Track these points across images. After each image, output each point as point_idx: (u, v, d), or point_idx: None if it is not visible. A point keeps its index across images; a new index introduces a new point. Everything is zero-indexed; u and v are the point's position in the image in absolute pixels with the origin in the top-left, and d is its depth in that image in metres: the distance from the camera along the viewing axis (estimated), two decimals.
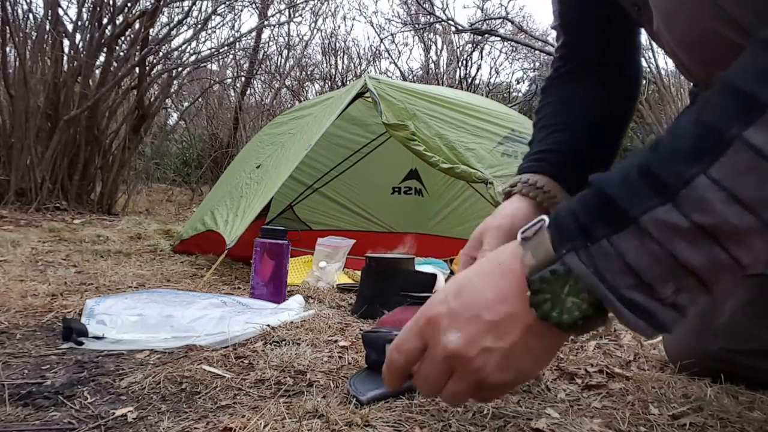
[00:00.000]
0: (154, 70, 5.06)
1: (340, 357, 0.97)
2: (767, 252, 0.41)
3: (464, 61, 9.98)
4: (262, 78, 8.84)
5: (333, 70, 9.44)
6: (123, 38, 4.67)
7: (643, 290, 0.42)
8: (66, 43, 4.39)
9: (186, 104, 8.02)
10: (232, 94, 8.70)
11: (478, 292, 0.48)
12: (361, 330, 1.19)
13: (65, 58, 4.33)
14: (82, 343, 0.99)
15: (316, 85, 9.69)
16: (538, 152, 0.80)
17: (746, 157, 0.39)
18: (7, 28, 4.02)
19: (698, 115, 0.42)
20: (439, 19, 8.99)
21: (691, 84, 0.80)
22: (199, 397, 0.77)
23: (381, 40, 11.09)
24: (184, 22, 5.34)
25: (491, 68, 14.77)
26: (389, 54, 10.85)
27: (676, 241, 0.41)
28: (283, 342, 1.05)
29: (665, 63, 5.35)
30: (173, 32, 5.37)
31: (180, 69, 5.49)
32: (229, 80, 8.64)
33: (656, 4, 0.62)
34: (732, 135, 0.39)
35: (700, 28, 0.57)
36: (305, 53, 9.32)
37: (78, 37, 4.46)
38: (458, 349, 0.47)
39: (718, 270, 0.41)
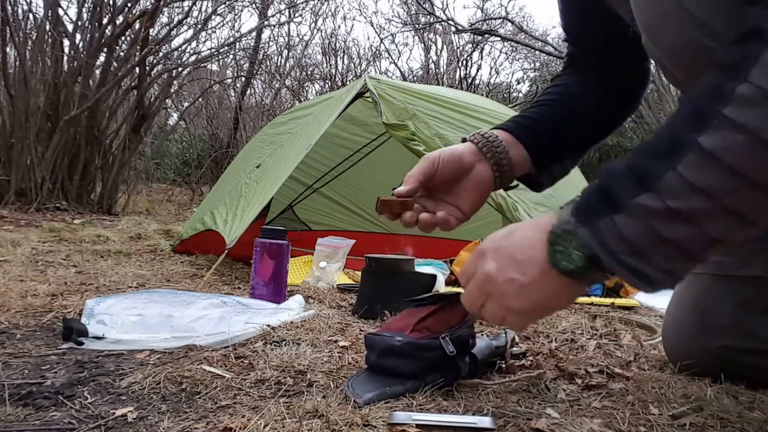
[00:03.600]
0: (154, 70, 5.07)
1: (340, 357, 0.97)
2: (731, 228, 0.53)
3: (464, 61, 9.99)
4: (262, 78, 8.85)
5: (333, 70, 9.45)
6: (123, 38, 4.68)
7: (639, 258, 0.55)
8: (66, 43, 4.40)
9: (186, 104, 8.03)
10: (232, 94, 8.71)
11: (518, 237, 0.63)
12: (361, 330, 1.19)
13: (65, 58, 4.33)
14: (82, 343, 0.99)
15: (316, 85, 9.70)
16: (518, 116, 0.86)
17: (699, 156, 0.51)
18: (7, 28, 4.02)
19: (671, 121, 0.56)
20: (439, 19, 9.00)
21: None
22: (199, 397, 0.77)
23: (381, 40, 11.11)
24: (184, 22, 5.35)
25: (491, 68, 14.77)
26: (389, 54, 10.87)
27: (657, 221, 0.53)
28: (283, 342, 1.05)
29: None
30: (173, 32, 5.38)
31: (180, 69, 5.50)
32: (229, 80, 8.65)
33: (640, 18, 0.67)
34: (690, 140, 0.52)
35: (682, 39, 0.61)
36: (305, 53, 9.34)
37: (78, 37, 4.46)
38: (492, 274, 0.63)
39: (694, 242, 0.53)
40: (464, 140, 0.81)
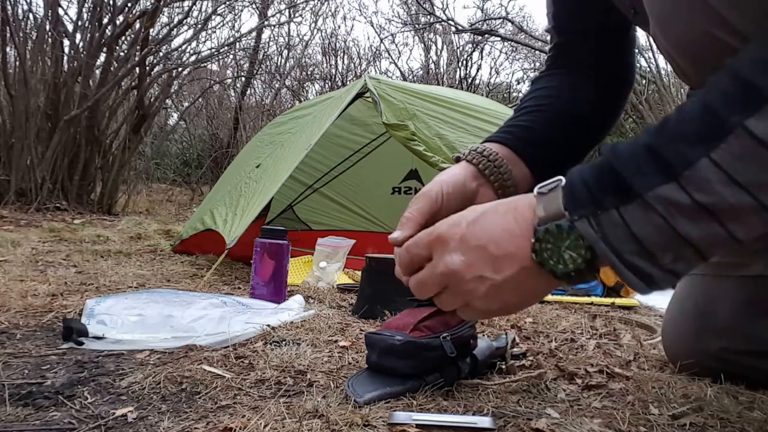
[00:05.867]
0: (154, 70, 5.07)
1: (340, 357, 0.97)
2: (761, 228, 0.45)
3: (464, 61, 9.99)
4: (262, 78, 8.85)
5: (333, 70, 9.45)
6: (123, 38, 4.68)
7: (645, 257, 0.47)
8: (66, 43, 4.40)
9: (186, 104, 8.03)
10: (232, 94, 8.71)
11: (489, 226, 0.53)
12: (361, 330, 1.19)
13: (65, 58, 4.33)
14: (82, 343, 0.99)
15: (316, 85, 9.70)
16: (509, 125, 0.79)
17: (746, 143, 0.42)
18: (7, 28, 4.02)
19: (704, 99, 0.46)
20: (439, 19, 9.00)
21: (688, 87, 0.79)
22: (199, 397, 0.77)
23: (381, 40, 11.09)
24: (184, 22, 5.35)
25: (491, 68, 14.78)
26: (389, 54, 10.86)
27: (677, 217, 0.45)
28: (283, 342, 1.05)
29: (665, 63, 5.34)
30: (173, 32, 5.38)
31: (180, 69, 5.50)
32: (229, 80, 8.65)
33: (651, 8, 0.63)
34: (734, 122, 0.42)
35: (695, 31, 0.58)
36: (305, 53, 9.34)
37: (78, 37, 4.46)
38: (457, 269, 0.53)
39: (715, 243, 0.46)
40: (458, 159, 0.73)
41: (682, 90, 5.16)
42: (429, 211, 0.66)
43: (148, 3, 4.68)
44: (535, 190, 0.52)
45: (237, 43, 7.21)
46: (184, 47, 5.54)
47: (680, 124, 0.46)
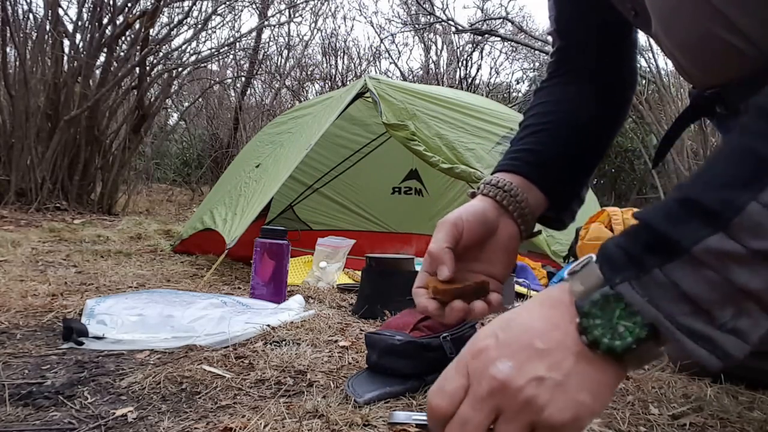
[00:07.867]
0: (155, 70, 5.07)
1: (340, 357, 0.97)
2: None
3: (464, 61, 9.99)
4: (262, 78, 8.85)
5: (333, 70, 9.45)
6: (123, 38, 4.68)
7: (700, 316, 0.42)
8: (66, 43, 4.40)
9: (186, 104, 8.03)
10: (232, 94, 8.71)
11: (527, 323, 0.47)
12: (361, 330, 1.19)
13: (65, 58, 4.33)
14: (82, 343, 0.99)
15: (316, 85, 9.70)
16: (516, 150, 0.78)
17: None
18: (7, 28, 4.02)
19: (739, 143, 0.43)
20: (439, 19, 9.00)
21: (690, 86, 0.79)
22: (199, 397, 0.77)
23: (381, 40, 11.11)
24: (184, 22, 5.35)
25: (491, 68, 14.80)
26: (389, 54, 10.86)
27: (732, 268, 0.41)
28: (283, 342, 1.05)
29: (665, 63, 5.34)
30: (173, 32, 5.38)
31: (180, 69, 5.50)
32: (229, 80, 8.65)
33: (654, 7, 0.63)
34: None
35: (698, 30, 0.58)
36: (305, 53, 9.34)
37: (78, 37, 4.47)
38: (508, 378, 0.43)
39: None
40: (473, 194, 0.72)
41: (682, 90, 5.15)
42: (453, 235, 0.65)
43: (148, 3, 4.68)
44: (566, 274, 0.48)
45: (237, 43, 7.22)
46: (184, 47, 5.55)
47: (715, 171, 0.43)
